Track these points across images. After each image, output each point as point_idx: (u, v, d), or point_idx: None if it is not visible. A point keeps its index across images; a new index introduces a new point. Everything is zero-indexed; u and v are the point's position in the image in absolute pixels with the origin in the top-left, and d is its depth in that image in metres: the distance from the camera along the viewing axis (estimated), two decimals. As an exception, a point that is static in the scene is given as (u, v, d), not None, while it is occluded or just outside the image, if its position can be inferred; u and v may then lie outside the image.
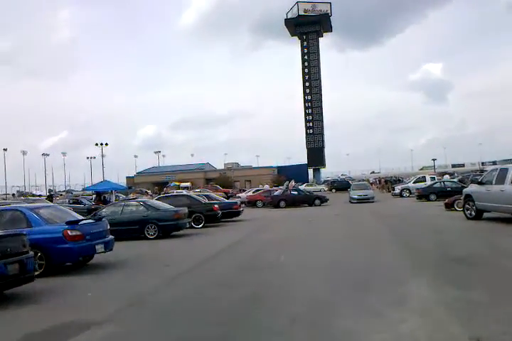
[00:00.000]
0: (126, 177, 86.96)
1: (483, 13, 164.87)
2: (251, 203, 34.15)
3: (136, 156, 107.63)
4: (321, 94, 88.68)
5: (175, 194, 24.26)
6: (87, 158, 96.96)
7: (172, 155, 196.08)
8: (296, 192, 33.65)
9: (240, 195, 40.53)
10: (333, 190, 60.22)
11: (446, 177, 41.24)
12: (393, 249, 10.84)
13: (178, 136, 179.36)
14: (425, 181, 37.68)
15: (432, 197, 30.39)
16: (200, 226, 18.28)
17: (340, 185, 60.88)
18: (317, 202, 31.89)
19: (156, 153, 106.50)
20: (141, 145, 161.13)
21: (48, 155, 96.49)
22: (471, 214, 16.67)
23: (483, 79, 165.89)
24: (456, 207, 21.49)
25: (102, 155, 79.27)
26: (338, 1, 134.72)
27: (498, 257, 9.27)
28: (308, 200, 32.17)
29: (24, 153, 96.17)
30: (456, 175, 52.38)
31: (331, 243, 12.07)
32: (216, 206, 18.65)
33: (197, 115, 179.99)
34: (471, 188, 17.11)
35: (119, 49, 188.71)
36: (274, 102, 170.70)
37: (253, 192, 37.43)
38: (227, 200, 22.30)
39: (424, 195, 30.88)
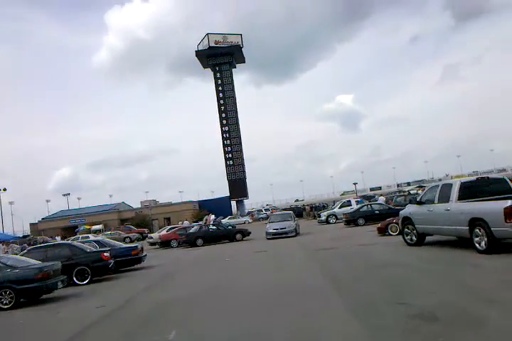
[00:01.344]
0: (30, 223, 78.75)
1: (388, 45, 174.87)
2: (164, 243, 30.14)
3: (48, 201, 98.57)
4: (238, 125, 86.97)
5: (51, 243, 19.91)
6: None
7: (90, 197, 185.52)
8: (214, 227, 30.12)
9: (151, 235, 36.03)
10: (261, 220, 57.28)
11: (382, 199, 39.37)
12: (331, 301, 7.73)
13: (96, 177, 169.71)
14: (351, 205, 35.72)
15: (360, 221, 28.23)
16: (86, 282, 14.30)
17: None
18: (238, 236, 28.59)
19: (64, 195, 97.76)
20: (56, 189, 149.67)
21: None
22: (411, 240, 14.15)
23: (391, 108, 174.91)
24: (390, 231, 19.23)
25: (0, 202, 71.73)
26: (249, 33, 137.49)
27: (479, 306, 6.41)
28: (229, 235, 28.81)
29: None
30: (376, 197, 51.35)
31: (244, 300, 8.71)
32: (106, 254, 14.73)
33: (116, 154, 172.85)
34: (409, 209, 14.62)
35: (31, 87, 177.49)
36: (195, 138, 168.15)
37: (167, 231, 33.28)
38: (124, 245, 18.34)
39: (351, 220, 28.61)
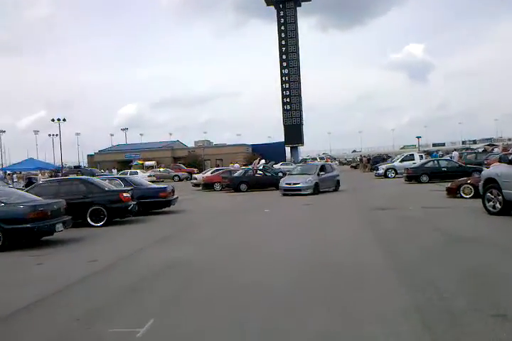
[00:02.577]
0: (88, 155, 79.84)
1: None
2: (207, 186, 28.25)
3: (112, 135, 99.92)
4: (299, 68, 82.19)
5: (65, 178, 18.21)
6: (49, 135, 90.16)
7: (152, 134, 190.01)
8: (261, 173, 27.88)
9: (195, 175, 34.21)
10: None
11: (456, 154, 35.36)
12: (387, 297, 5.23)
13: (159, 115, 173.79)
14: (414, 160, 32.32)
15: (424, 178, 25.07)
16: (101, 223, 12.52)
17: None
18: (286, 184, 26.32)
19: (123, 130, 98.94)
20: (121, 124, 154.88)
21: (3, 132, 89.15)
22: (494, 208, 11.24)
23: (463, 60, 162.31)
24: (462, 193, 16.14)
25: (60, 132, 72.71)
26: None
27: None
28: (276, 183, 26.46)
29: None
30: (440, 153, 47.14)
31: (263, 280, 6.30)
32: (125, 195, 12.76)
33: (178, 95, 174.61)
34: (496, 170, 11.58)
35: (98, 25, 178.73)
36: (257, 81, 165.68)
37: (211, 173, 31.36)
38: (153, 186, 16.36)
39: (414, 176, 25.49)
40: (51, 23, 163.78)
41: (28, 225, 9.21)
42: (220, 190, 27.43)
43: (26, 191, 12.06)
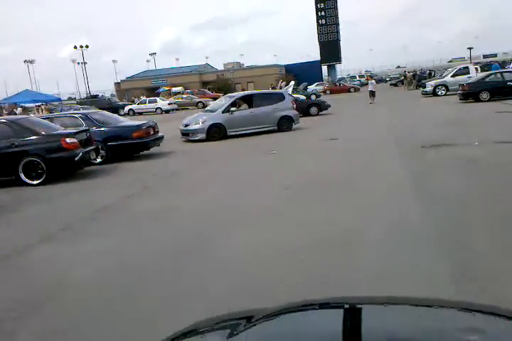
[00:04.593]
0: (114, 83, 76.10)
1: None
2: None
3: (148, 61, 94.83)
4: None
5: None
6: (72, 61, 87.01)
7: (189, 59, 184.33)
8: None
9: (210, 103, 29.65)
10: (328, 92, 48.58)
11: None
12: None
13: (196, 39, 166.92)
14: (469, 73, 26.88)
15: (484, 95, 20.19)
16: (39, 181, 9.06)
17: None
18: (313, 110, 22.07)
19: (151, 55, 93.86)
20: (160, 49, 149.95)
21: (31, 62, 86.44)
22: None
23: None
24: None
25: (84, 60, 69.34)
26: None
27: None
28: (300, 108, 22.27)
29: (32, 61, 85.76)
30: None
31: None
32: (69, 140, 9.08)
33: (213, 17, 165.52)
34: None
35: None
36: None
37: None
38: (128, 123, 12.40)
39: (471, 93, 20.57)
40: None
41: None
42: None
43: None
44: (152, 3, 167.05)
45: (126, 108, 39.08)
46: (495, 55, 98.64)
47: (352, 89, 49.42)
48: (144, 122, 12.17)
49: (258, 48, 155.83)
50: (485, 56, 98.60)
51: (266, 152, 11.11)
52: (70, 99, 76.79)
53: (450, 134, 11.37)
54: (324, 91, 49.10)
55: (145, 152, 12.04)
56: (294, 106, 16.58)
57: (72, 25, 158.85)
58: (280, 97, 16.39)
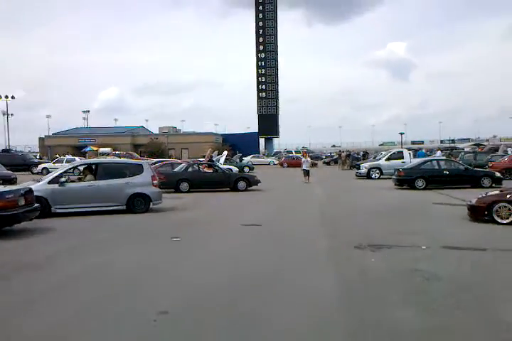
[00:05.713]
0: (39, 138, 71.68)
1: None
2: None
3: (85, 119, 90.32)
4: (277, 54, 76.18)
5: None
6: (3, 114, 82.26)
7: (128, 120, 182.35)
8: (210, 170, 21.50)
9: None
10: (285, 165, 47.82)
11: (439, 153, 29.79)
12: None
13: (137, 101, 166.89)
14: (403, 158, 26.38)
15: (420, 183, 19.11)
16: None
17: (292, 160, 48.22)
18: (241, 184, 20.10)
19: (84, 112, 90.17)
20: (98, 108, 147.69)
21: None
22: None
23: (445, 60, 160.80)
24: (496, 216, 10.20)
25: (7, 111, 65.30)
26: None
27: None
28: (228, 181, 20.30)
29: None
30: (434, 151, 41.62)
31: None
32: None
33: (159, 81, 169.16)
34: None
35: (81, 6, 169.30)
36: (238, 72, 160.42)
37: (151, 165, 24.73)
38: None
39: (407, 180, 19.47)
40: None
41: None
42: (160, 188, 20.99)
43: None
44: (97, 64, 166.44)
45: (40, 166, 35.47)
46: (422, 142, 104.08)
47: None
48: (14, 188, 9.49)
49: (200, 116, 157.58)
50: (413, 142, 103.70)
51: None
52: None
53: (390, 229, 9.57)
54: (281, 164, 48.96)
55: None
56: (155, 181, 13.38)
57: (13, 75, 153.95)
58: (137, 169, 13.27)
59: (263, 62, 75.12)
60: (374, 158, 34.19)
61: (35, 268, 6.69)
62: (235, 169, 31.31)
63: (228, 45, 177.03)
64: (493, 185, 18.59)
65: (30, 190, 9.79)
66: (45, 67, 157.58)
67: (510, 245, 8.02)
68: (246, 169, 38.37)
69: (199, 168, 21.23)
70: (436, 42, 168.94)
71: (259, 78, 75.41)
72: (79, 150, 58.76)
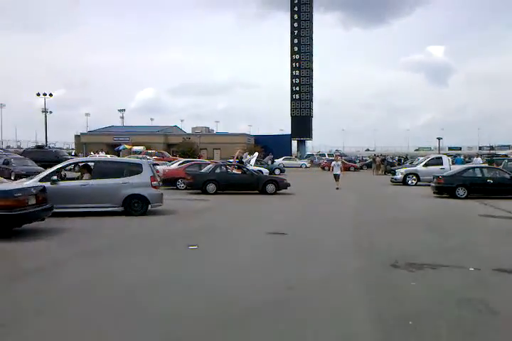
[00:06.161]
0: (75, 135, 72.76)
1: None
2: (168, 182, 20.89)
3: (122, 117, 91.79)
4: (311, 55, 74.72)
5: None
6: (42, 111, 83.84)
7: (164, 120, 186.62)
8: (239, 171, 20.75)
9: (160, 167, 26.40)
10: (326, 168, 45.43)
11: (478, 160, 28.32)
12: None
13: (174, 101, 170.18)
14: (442, 164, 25.03)
15: (461, 191, 17.83)
16: None
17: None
18: (270, 187, 19.25)
19: (120, 111, 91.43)
20: (136, 108, 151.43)
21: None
22: None
23: (486, 64, 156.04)
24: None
25: (45, 108, 66.18)
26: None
27: None
28: (256, 184, 19.48)
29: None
30: (474, 158, 39.81)
31: None
32: None
33: (195, 82, 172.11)
34: None
35: (121, 7, 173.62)
36: (275, 73, 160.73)
37: (179, 165, 24.22)
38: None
39: (447, 188, 18.21)
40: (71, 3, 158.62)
41: None
42: (185, 189, 20.44)
43: None
44: (136, 64, 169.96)
45: (72, 163, 35.58)
46: (459, 149, 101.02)
47: (352, 168, 44.84)
48: (24, 187, 8.92)
49: (234, 117, 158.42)
50: (450, 148, 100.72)
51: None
52: (18, 147, 72.81)
53: (431, 245, 8.54)
54: (323, 167, 45.40)
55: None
56: (155, 182, 12.41)
57: (53, 73, 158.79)
58: (136, 169, 12.42)
59: (297, 64, 73.97)
60: (410, 164, 32.88)
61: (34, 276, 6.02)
62: (265, 171, 30.46)
63: (264, 47, 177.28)
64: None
65: (43, 189, 9.21)
66: (86, 67, 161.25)
67: None
68: (277, 171, 37.48)
69: (227, 169, 20.52)
70: (477, 46, 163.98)
71: (293, 80, 74.30)
72: (113, 148, 59.28)
